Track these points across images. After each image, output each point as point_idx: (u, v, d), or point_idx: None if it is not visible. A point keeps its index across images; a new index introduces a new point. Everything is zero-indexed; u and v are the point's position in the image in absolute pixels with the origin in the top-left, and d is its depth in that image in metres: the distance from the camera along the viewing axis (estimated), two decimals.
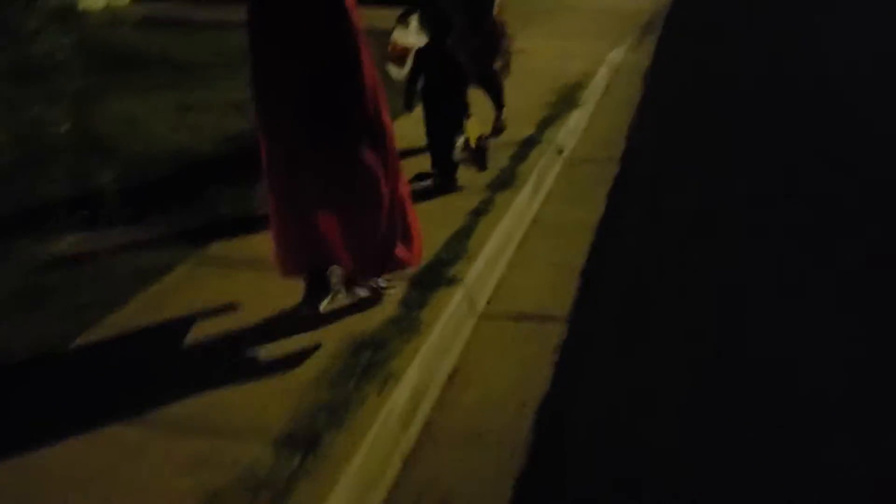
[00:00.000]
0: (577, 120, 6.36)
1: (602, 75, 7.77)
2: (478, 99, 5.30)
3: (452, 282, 3.53)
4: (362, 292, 3.35)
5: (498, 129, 5.74)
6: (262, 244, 3.95)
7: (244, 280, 3.61)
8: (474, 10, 5.30)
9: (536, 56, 7.98)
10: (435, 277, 3.55)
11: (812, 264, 4.12)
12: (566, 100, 6.71)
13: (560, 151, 5.72)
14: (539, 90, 6.86)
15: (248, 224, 4.16)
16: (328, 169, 3.04)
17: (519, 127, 5.85)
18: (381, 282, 3.37)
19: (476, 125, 4.77)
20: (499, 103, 5.76)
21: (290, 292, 3.34)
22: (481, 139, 4.76)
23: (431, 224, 3.89)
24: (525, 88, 6.70)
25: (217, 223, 4.26)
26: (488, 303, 3.71)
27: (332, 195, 3.08)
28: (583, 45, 9.05)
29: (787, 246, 4.33)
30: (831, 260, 4.15)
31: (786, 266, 4.11)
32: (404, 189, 3.29)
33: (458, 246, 3.92)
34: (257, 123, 3.06)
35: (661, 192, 5.17)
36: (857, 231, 4.53)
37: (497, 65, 5.54)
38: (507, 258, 4.18)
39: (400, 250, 3.29)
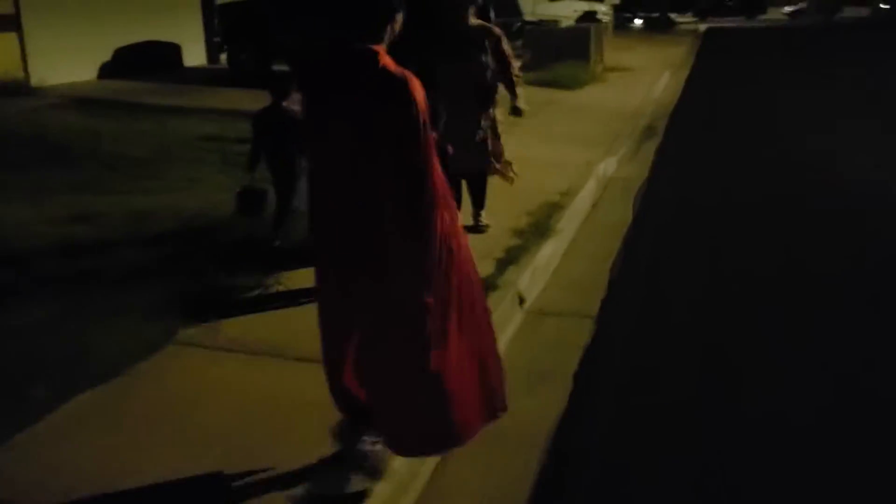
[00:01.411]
0: (548, 255, 5.13)
1: (587, 193, 6.59)
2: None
3: None
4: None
5: (478, 228, 5.34)
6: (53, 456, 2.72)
7: None
8: (468, 104, 5.06)
9: (513, 165, 6.83)
10: None
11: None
12: (539, 226, 5.50)
13: (521, 301, 4.48)
14: (508, 212, 5.66)
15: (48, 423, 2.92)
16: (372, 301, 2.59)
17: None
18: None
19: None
20: (479, 203, 5.44)
21: None
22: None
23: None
24: (491, 210, 5.52)
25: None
26: None
27: (370, 330, 2.64)
28: (570, 152, 7.93)
29: (804, 461, 3.03)
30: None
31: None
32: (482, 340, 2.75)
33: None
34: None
35: (647, 372, 3.88)
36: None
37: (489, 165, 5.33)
38: (420, 487, 2.88)
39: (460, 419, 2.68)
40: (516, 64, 5.39)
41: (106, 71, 12.60)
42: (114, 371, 3.45)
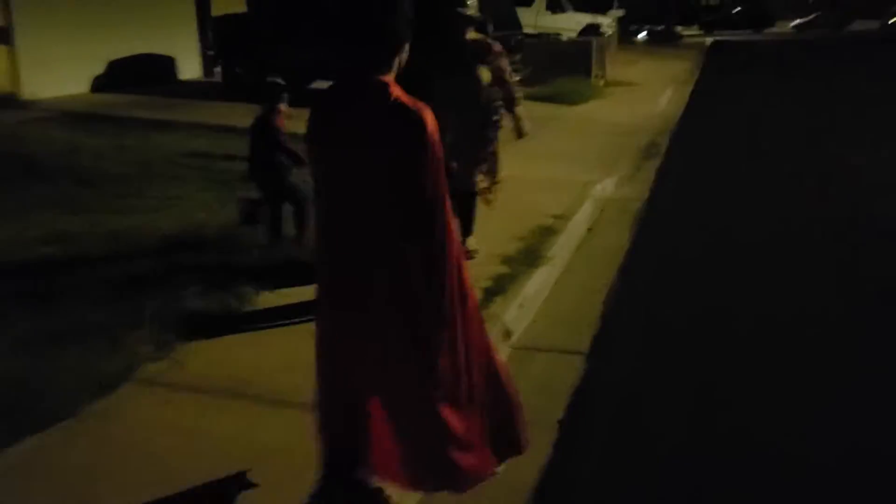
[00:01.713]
0: (538, 285, 4.85)
1: (583, 216, 6.31)
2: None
3: None
4: None
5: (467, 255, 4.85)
6: None
7: None
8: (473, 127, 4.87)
9: (506, 185, 6.55)
10: None
11: None
12: (529, 253, 5.23)
13: (507, 336, 4.20)
14: (497, 237, 5.40)
15: None
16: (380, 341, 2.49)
17: None
18: None
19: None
20: (468, 227, 5.04)
21: None
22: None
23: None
24: (479, 234, 5.25)
25: None
26: None
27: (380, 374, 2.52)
28: (567, 171, 7.67)
29: None
30: None
31: None
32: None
33: None
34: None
35: (639, 416, 3.60)
36: None
37: (479, 185, 5.06)
38: None
39: (467, 459, 2.59)
40: (514, 80, 5.16)
41: (99, 84, 12.41)
42: (65, 411, 3.22)
